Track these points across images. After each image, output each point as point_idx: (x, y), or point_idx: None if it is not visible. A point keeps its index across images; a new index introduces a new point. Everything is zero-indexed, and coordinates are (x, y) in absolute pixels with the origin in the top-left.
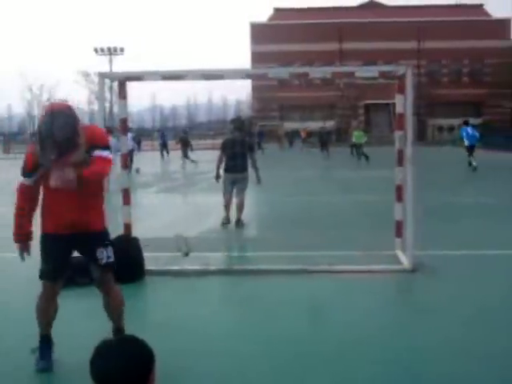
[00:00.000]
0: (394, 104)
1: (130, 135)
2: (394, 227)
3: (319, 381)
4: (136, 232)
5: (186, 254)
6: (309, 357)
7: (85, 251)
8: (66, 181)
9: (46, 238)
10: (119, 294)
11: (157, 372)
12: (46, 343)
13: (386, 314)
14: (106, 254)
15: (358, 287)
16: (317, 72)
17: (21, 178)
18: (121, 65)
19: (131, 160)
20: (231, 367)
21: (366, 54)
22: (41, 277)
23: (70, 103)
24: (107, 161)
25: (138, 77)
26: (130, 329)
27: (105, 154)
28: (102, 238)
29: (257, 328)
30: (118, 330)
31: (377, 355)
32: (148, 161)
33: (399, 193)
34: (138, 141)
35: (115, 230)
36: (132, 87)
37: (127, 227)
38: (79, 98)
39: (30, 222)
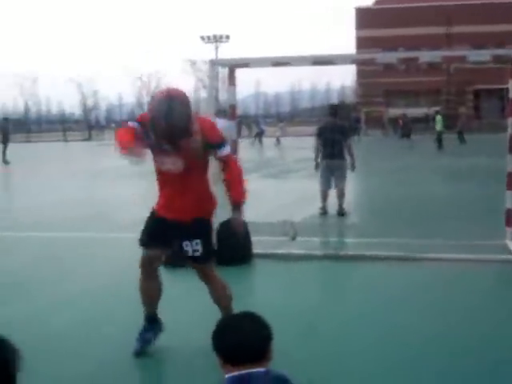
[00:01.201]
0: (506, 89)
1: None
2: (504, 216)
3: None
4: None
5: (293, 239)
6: (437, 346)
7: (177, 240)
8: (177, 168)
9: (153, 213)
10: (220, 285)
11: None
12: (149, 323)
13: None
14: (191, 248)
15: (468, 276)
16: (426, 56)
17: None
18: (226, 52)
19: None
20: (338, 351)
21: (474, 38)
22: (140, 242)
23: (183, 91)
24: (234, 158)
25: (247, 63)
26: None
27: (226, 150)
28: (196, 228)
29: (369, 314)
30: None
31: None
32: (246, 147)
33: (510, 180)
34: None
35: (223, 214)
36: (237, 74)
37: None
38: (185, 86)
39: (129, 137)
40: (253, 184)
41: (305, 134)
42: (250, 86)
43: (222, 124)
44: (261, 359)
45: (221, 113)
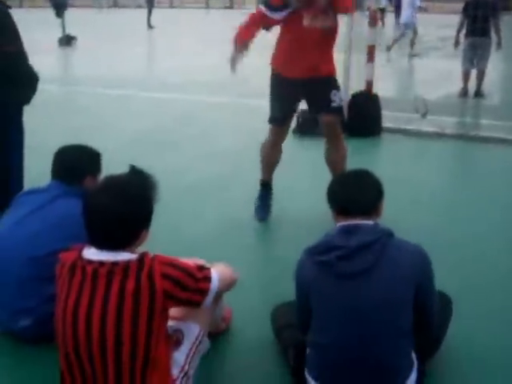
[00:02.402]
0: None
1: None
2: None
3: None
4: (376, 90)
5: (424, 116)
6: None
7: (316, 97)
8: (312, 25)
9: (278, 81)
10: (344, 147)
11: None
12: (265, 191)
13: None
14: (338, 97)
15: None
16: None
17: (260, 7)
18: None
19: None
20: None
21: None
22: (269, 121)
23: None
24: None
25: None
26: None
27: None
28: (335, 82)
29: (495, 197)
30: None
31: None
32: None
33: None
34: None
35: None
36: None
37: (369, 84)
38: None
39: (248, 34)
40: (391, 61)
41: (452, 11)
42: None
43: None
44: (371, 213)
45: None
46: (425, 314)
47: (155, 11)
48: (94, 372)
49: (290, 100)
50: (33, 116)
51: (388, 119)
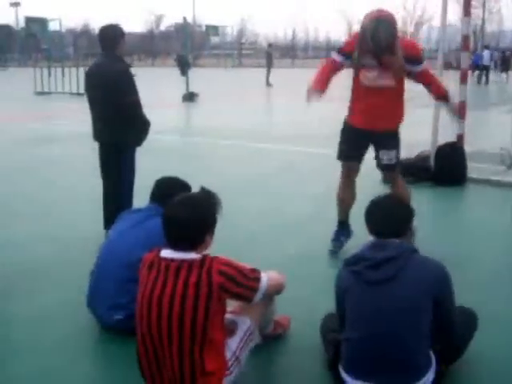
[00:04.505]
0: None
1: (487, 52)
2: None
3: None
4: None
5: (509, 167)
6: None
7: (376, 147)
8: (379, 83)
9: (346, 126)
10: (404, 190)
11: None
12: (340, 228)
13: None
14: (387, 157)
15: None
16: None
17: (332, 53)
18: None
19: (487, 75)
20: None
21: None
22: (338, 156)
23: (391, 12)
24: (434, 76)
25: None
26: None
27: (422, 67)
28: (390, 139)
29: None
30: None
31: None
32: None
33: None
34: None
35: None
36: None
37: (459, 138)
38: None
39: (321, 83)
40: (492, 116)
41: None
42: None
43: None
44: (399, 235)
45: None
46: (443, 323)
47: (277, 71)
48: (162, 349)
49: (356, 143)
50: (152, 160)
51: (473, 170)
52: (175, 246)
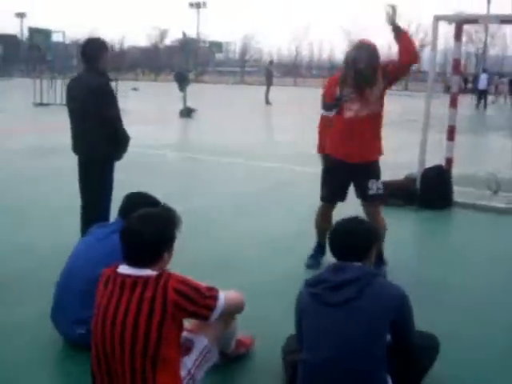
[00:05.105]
0: None
1: (484, 76)
2: None
3: None
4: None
5: (495, 192)
6: None
7: (359, 181)
8: (360, 115)
9: (327, 163)
10: (382, 222)
11: None
12: (318, 248)
13: None
14: (376, 186)
15: None
16: None
17: (322, 112)
18: None
19: (485, 99)
20: None
21: None
22: (321, 199)
23: (373, 43)
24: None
25: (475, 19)
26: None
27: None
28: (375, 169)
29: None
30: (378, 256)
31: None
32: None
33: None
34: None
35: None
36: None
37: (448, 161)
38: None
39: (323, 148)
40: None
41: None
42: None
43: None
44: (360, 258)
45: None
46: (401, 347)
47: (279, 89)
48: (115, 364)
49: (338, 182)
50: (141, 175)
51: (459, 194)
52: (131, 262)
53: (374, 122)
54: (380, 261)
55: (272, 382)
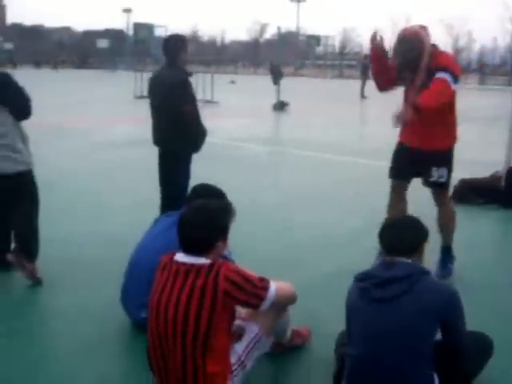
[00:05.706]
0: None
1: None
2: None
3: None
4: None
5: None
6: None
7: (422, 166)
8: (402, 117)
9: (397, 145)
10: (449, 212)
11: None
12: None
13: None
14: (437, 174)
15: None
16: None
17: None
18: None
19: None
20: None
21: None
22: (388, 175)
23: (421, 29)
24: (442, 82)
25: None
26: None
27: (442, 75)
28: (439, 157)
29: None
30: (446, 247)
31: None
32: None
33: None
34: None
35: None
36: None
37: None
38: None
39: None
40: None
41: None
42: None
43: None
44: (411, 254)
45: None
46: (450, 347)
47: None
48: (167, 348)
49: (403, 163)
50: (219, 167)
51: None
52: (187, 250)
53: (437, 109)
54: (448, 255)
55: (323, 376)
